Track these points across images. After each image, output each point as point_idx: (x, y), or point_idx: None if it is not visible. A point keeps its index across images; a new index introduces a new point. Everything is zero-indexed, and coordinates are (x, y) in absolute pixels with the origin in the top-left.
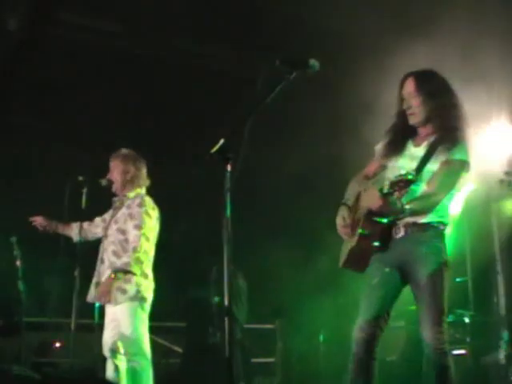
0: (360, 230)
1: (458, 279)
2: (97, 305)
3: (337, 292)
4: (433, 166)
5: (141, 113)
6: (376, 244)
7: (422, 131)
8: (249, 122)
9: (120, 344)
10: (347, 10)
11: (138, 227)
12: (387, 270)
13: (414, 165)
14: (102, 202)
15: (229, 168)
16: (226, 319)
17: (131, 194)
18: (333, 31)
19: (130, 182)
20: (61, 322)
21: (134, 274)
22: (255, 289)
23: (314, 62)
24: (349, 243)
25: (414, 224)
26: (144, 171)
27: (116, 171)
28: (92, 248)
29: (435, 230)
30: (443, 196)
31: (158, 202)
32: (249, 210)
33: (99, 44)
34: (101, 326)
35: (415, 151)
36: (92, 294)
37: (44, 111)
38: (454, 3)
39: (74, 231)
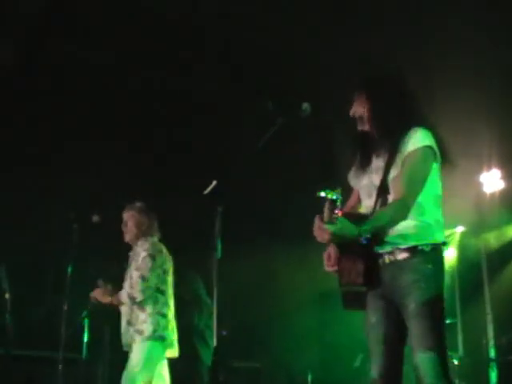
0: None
1: (447, 321)
2: (85, 340)
3: (324, 331)
4: (396, 171)
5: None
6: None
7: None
8: (241, 162)
9: (126, 380)
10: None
11: (138, 268)
12: (382, 302)
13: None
14: (93, 239)
15: (219, 209)
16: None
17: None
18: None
19: (144, 233)
20: (48, 355)
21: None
22: (241, 327)
23: (306, 106)
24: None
25: (398, 249)
26: (156, 223)
27: (131, 222)
28: (79, 282)
29: (425, 254)
30: (413, 196)
31: None
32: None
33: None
34: (88, 361)
35: (377, 162)
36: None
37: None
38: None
39: None
